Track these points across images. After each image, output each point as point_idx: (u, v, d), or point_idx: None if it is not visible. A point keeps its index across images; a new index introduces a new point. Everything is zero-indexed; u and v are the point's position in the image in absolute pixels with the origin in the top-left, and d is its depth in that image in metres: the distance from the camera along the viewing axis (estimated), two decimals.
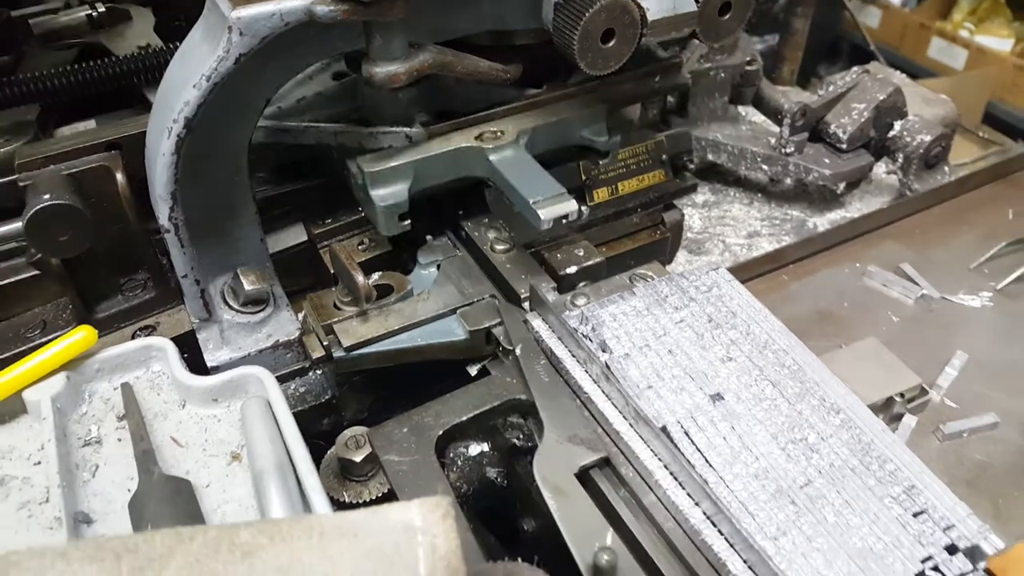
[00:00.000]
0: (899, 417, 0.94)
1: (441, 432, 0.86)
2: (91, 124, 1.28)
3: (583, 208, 1.27)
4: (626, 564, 0.73)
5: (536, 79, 1.17)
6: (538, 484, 0.79)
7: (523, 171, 1.04)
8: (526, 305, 1.03)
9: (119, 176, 0.99)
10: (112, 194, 1.00)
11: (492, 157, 1.06)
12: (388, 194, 1.04)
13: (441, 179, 1.08)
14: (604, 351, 0.89)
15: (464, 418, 0.88)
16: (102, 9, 1.35)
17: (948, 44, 3.28)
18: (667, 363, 0.87)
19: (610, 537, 0.75)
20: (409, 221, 1.06)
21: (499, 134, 1.08)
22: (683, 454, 0.77)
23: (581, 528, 0.76)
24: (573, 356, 0.91)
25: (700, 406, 0.82)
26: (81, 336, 0.91)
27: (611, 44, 0.98)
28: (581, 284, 1.17)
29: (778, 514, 0.72)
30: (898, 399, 0.92)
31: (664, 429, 0.79)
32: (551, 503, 0.77)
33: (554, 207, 0.97)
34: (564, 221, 0.98)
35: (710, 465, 0.76)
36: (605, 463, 0.82)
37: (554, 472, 0.80)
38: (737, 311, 0.93)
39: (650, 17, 0.98)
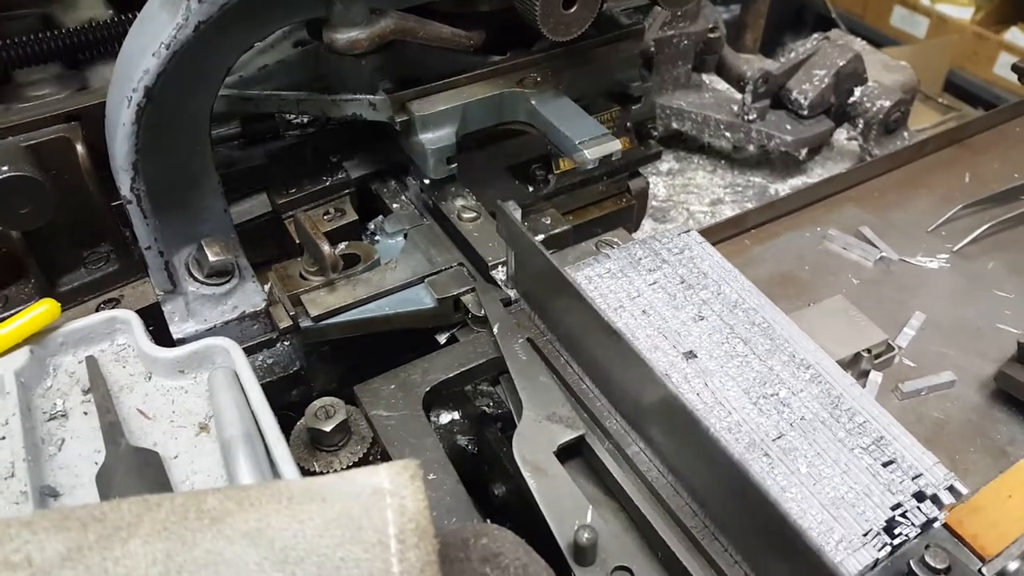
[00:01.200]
0: (866, 373, 0.96)
1: (428, 389, 0.88)
2: None
3: (550, 176, 1.28)
4: (606, 540, 0.74)
5: (501, 46, 1.16)
6: (518, 464, 0.79)
7: (565, 113, 1.06)
8: (494, 274, 1.03)
9: (79, 147, 0.97)
10: (73, 166, 0.98)
11: (534, 101, 1.08)
12: (437, 137, 1.06)
13: (483, 123, 1.11)
14: None
15: (451, 375, 0.90)
16: None
17: (910, 12, 3.31)
18: (641, 323, 0.88)
19: (590, 515, 0.75)
20: (455, 165, 1.08)
21: (538, 79, 1.10)
22: None
23: (561, 508, 0.76)
24: None
25: (674, 363, 0.84)
26: (44, 309, 0.90)
27: (573, 9, 0.98)
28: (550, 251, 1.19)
29: (752, 466, 0.74)
30: (865, 355, 0.95)
31: None
32: (531, 482, 0.77)
33: (599, 147, 1.00)
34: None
35: None
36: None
37: (533, 451, 0.80)
38: (708, 272, 0.94)
39: None
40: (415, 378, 0.89)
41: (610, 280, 0.95)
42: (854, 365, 0.95)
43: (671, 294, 0.92)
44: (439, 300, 1.01)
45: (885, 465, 0.75)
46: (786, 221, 1.20)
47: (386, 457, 0.86)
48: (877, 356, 0.95)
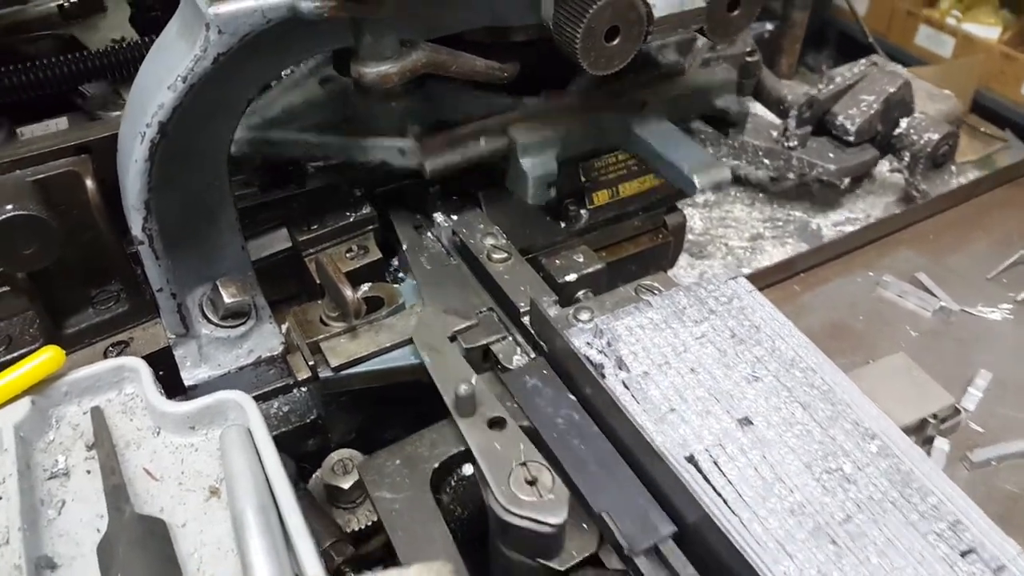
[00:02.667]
0: (931, 440, 0.89)
1: (437, 465, 0.80)
2: (63, 121, 1.20)
3: (583, 212, 1.22)
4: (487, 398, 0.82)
5: (533, 84, 1.10)
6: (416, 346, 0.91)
7: (669, 139, 1.02)
8: (525, 320, 0.96)
9: (89, 182, 0.92)
10: (82, 201, 0.93)
11: (637, 127, 1.04)
12: (538, 163, 1.04)
13: (582, 148, 1.09)
14: (621, 369, 0.83)
15: (462, 448, 0.82)
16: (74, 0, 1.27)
17: (935, 32, 3.25)
18: (690, 383, 0.81)
19: (474, 379, 0.85)
20: (555, 190, 1.06)
21: (642, 104, 1.07)
22: (714, 487, 0.71)
23: (448, 375, 0.86)
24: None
25: (728, 432, 0.77)
26: (47, 357, 0.84)
27: (615, 42, 0.92)
28: (581, 292, 1.12)
29: (818, 554, 0.67)
30: (931, 420, 0.87)
31: (691, 458, 0.74)
32: (425, 359, 0.89)
33: (709, 174, 0.95)
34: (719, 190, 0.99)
35: (743, 499, 0.70)
36: None
37: (431, 336, 0.92)
38: (760, 325, 0.87)
39: (656, 14, 0.92)
40: (422, 452, 0.82)
41: (653, 332, 0.88)
42: (919, 431, 0.88)
43: (721, 350, 0.85)
44: (467, 350, 0.94)
45: (964, 555, 0.68)
46: (836, 265, 1.13)
47: None
48: (943, 421, 0.88)
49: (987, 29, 3.19)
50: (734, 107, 1.18)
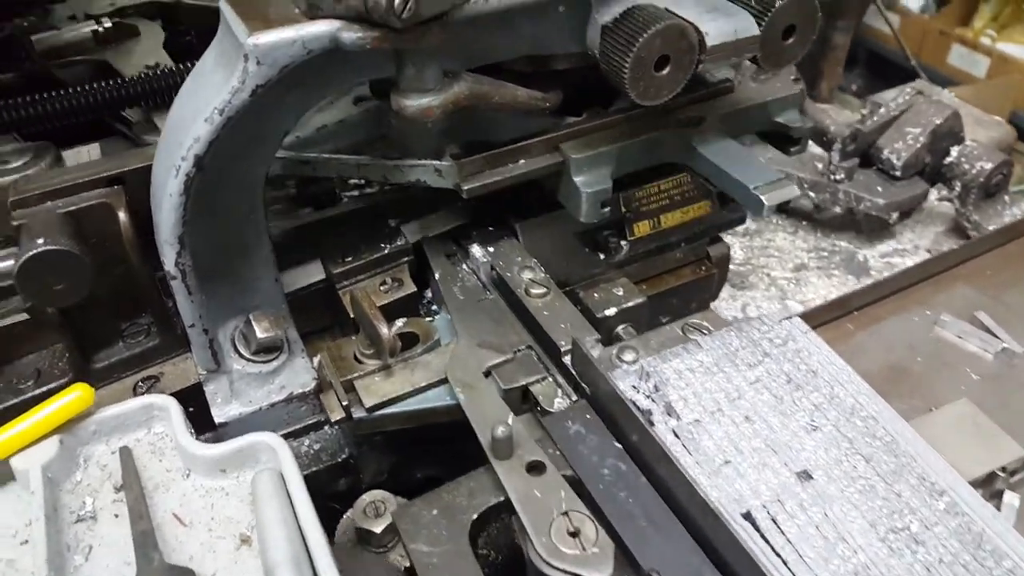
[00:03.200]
0: (999, 494, 0.84)
1: (475, 516, 0.76)
2: (95, 148, 1.19)
3: (623, 243, 1.18)
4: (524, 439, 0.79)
5: (573, 106, 1.07)
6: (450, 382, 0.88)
7: (732, 156, 0.98)
8: (567, 360, 0.92)
9: (121, 215, 0.89)
10: (114, 234, 0.90)
11: (697, 143, 1.01)
12: (592, 180, 1.00)
13: (639, 165, 1.05)
14: (671, 415, 0.79)
15: (502, 498, 0.78)
16: (108, 24, 1.25)
17: (969, 51, 3.19)
18: (745, 432, 0.77)
19: (511, 418, 0.83)
20: (609, 209, 1.02)
21: (699, 119, 1.03)
22: (772, 546, 0.67)
23: (484, 414, 0.83)
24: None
25: (787, 486, 0.72)
26: (76, 396, 0.82)
27: (665, 71, 0.88)
28: (622, 327, 1.08)
29: None
30: (1000, 474, 0.82)
31: (748, 515, 0.70)
32: (460, 396, 0.86)
33: (775, 192, 0.92)
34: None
35: (804, 561, 0.66)
36: None
37: (465, 372, 0.89)
38: (818, 369, 0.83)
39: (709, 42, 0.88)
40: (460, 501, 0.78)
41: (704, 376, 0.84)
42: (987, 485, 0.83)
43: (777, 396, 0.81)
44: (506, 391, 0.90)
45: None
46: (891, 303, 1.08)
47: None
48: (1012, 474, 0.83)
49: (1022, 48, 3.12)
50: (796, 123, 1.12)
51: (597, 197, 1.00)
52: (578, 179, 0.99)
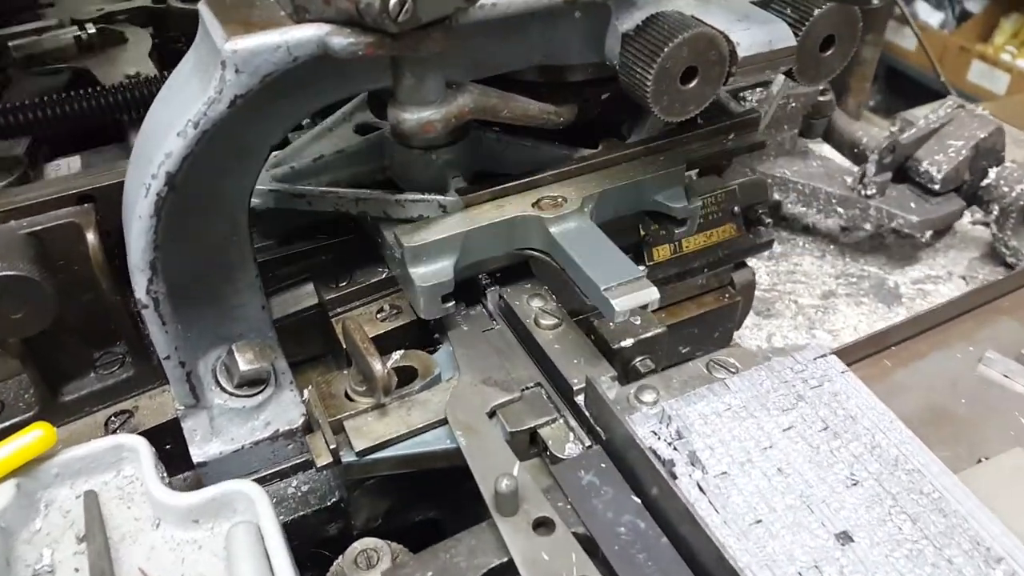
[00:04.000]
0: None
1: None
2: (76, 161, 1.11)
3: (642, 268, 1.10)
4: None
5: (590, 135, 0.99)
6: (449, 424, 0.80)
7: (591, 247, 0.86)
8: (579, 400, 0.84)
9: (90, 236, 0.82)
10: (82, 256, 0.83)
11: (553, 229, 0.89)
12: (430, 272, 0.88)
13: (491, 254, 0.92)
14: (695, 466, 0.71)
15: (505, 559, 0.69)
16: (92, 30, 1.18)
17: (989, 68, 3.14)
18: (778, 487, 0.69)
19: (516, 468, 0.74)
20: (453, 303, 0.90)
21: (561, 200, 0.90)
22: None
23: (487, 463, 0.74)
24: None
25: (825, 550, 0.64)
26: (37, 437, 0.75)
27: (692, 85, 0.80)
28: (639, 359, 1.00)
29: None
30: None
31: None
32: (461, 440, 0.78)
33: (630, 296, 0.80)
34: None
35: None
36: None
37: (467, 412, 0.81)
38: (857, 415, 0.75)
39: (741, 53, 0.80)
40: (459, 562, 0.69)
41: (732, 421, 0.75)
42: None
43: (813, 446, 0.73)
44: (512, 434, 0.82)
45: None
46: (931, 337, 0.99)
47: None
48: None
49: None
50: (678, 205, 0.99)
51: (435, 291, 0.88)
52: (414, 271, 0.88)
